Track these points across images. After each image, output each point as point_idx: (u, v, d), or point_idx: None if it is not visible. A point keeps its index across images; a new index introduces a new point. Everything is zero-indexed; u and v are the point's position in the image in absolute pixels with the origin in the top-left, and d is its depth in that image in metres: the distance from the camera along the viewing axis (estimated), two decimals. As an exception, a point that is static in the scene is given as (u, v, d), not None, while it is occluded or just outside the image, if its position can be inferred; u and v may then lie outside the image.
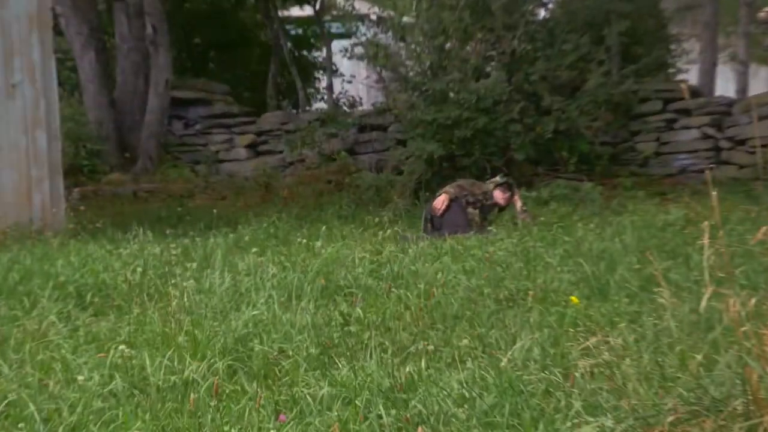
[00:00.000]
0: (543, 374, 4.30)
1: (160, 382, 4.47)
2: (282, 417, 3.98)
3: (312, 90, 20.25)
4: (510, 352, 4.66)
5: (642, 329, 5.07)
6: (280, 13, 19.17)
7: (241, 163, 16.18)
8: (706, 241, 3.59)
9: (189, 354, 4.90)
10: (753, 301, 3.43)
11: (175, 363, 4.77)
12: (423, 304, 5.96)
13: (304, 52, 20.61)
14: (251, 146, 16.28)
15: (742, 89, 16.78)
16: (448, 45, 13.04)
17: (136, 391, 4.41)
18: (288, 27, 19.93)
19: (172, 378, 4.53)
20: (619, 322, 5.23)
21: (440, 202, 10.23)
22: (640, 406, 3.47)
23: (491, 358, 4.72)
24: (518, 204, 10.59)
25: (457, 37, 12.88)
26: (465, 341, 5.15)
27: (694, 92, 14.58)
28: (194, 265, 7.68)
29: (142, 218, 11.29)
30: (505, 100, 12.48)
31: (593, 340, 4.43)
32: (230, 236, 9.66)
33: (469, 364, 4.70)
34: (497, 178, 10.96)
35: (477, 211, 10.31)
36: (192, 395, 4.19)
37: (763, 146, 3.47)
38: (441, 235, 9.21)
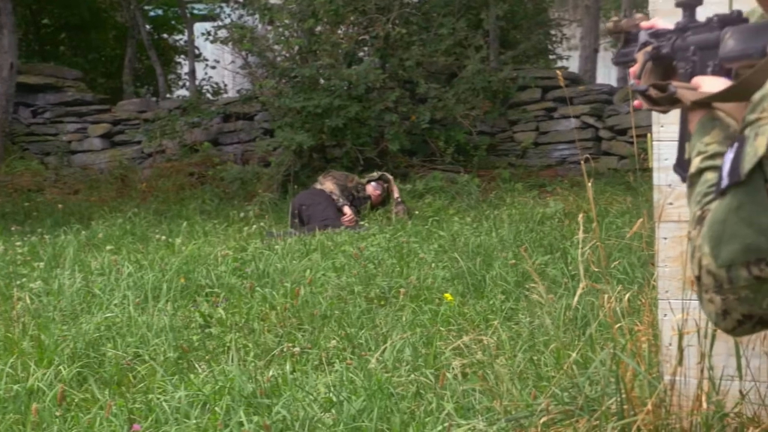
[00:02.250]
0: (414, 375, 4.35)
1: (1, 392, 4.37)
2: (136, 426, 3.94)
3: (172, 76, 19.98)
4: (380, 353, 4.70)
5: (517, 327, 5.17)
6: (137, -7, 18.92)
7: (95, 154, 15.88)
8: (581, 235, 3.67)
9: (34, 361, 4.81)
10: (627, 296, 3.52)
11: (19, 371, 4.68)
12: (289, 304, 5.97)
13: (164, 35, 20.33)
14: (106, 136, 15.98)
15: (624, 77, 17.13)
16: (318, 28, 13.02)
17: (-26, 403, 4.30)
18: (146, 8, 19.62)
19: (15, 387, 4.43)
20: (493, 319, 5.32)
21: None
22: (513, 407, 3.53)
23: (361, 360, 4.75)
24: (395, 194, 10.65)
25: (327, 19, 12.87)
26: (333, 342, 5.18)
27: (575, 80, 14.83)
28: (42, 264, 7.54)
29: (-16, 214, 11.03)
30: (378, 87, 12.53)
31: (466, 338, 4.49)
32: (83, 233, 9.51)
33: (337, 366, 4.72)
34: (374, 174, 11.05)
35: (348, 205, 10.36)
36: (35, 405, 4.10)
37: (639, 136, 3.54)
38: (310, 231, 9.21)
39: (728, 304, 1.65)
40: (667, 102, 2.00)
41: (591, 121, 13.77)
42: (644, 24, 2.25)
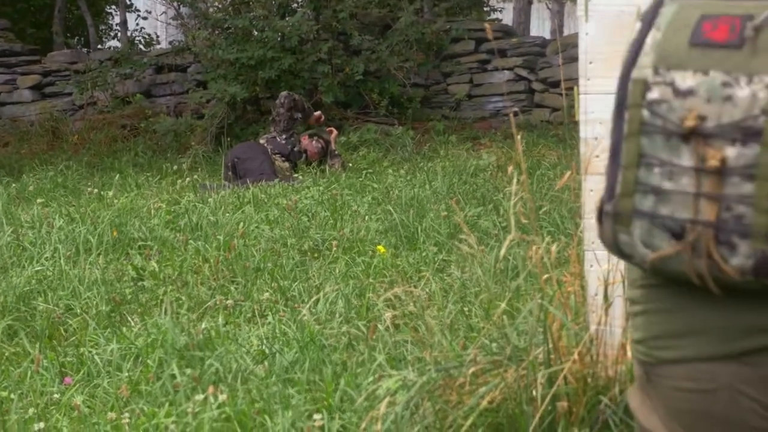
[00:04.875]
0: (346, 327, 4.39)
1: (-72, 348, 4.35)
2: (67, 379, 3.94)
3: (104, 27, 19.72)
4: (311, 305, 4.73)
5: (449, 279, 5.23)
6: (66, -60, 18.58)
7: (25, 106, 15.63)
8: (513, 187, 3.71)
9: (-37, 315, 4.78)
10: (554, 248, 3.58)
11: (-53, 325, 4.65)
12: (222, 257, 5.97)
13: (95, -16, 20.06)
14: (36, 88, 15.73)
15: (557, 29, 17.20)
16: (251, -21, 12.93)
17: None
18: (76, -44, 19.32)
19: (-56, 342, 4.41)
20: (425, 271, 5.37)
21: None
22: (443, 358, 3.58)
23: (293, 312, 4.78)
24: (332, 146, 10.64)
25: (260, -30, 12.78)
26: (266, 295, 5.21)
27: (508, 32, 14.85)
28: (-30, 218, 7.45)
29: None
30: (312, 39, 12.45)
31: (398, 290, 4.53)
32: (13, 186, 9.40)
33: (270, 318, 4.75)
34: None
35: (284, 159, 10.34)
36: (-34, 360, 4.09)
37: (569, 88, 3.57)
38: (243, 184, 9.18)
39: None
40: None
41: (524, 73, 13.81)
42: None
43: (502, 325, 3.69)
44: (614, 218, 1.73)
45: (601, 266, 3.30)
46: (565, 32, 17.92)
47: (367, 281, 5.30)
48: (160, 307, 5.02)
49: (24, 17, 18.52)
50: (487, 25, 4.44)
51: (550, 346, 3.29)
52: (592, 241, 3.35)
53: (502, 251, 3.38)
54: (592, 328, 3.33)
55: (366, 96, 13.09)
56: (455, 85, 14.16)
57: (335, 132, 10.93)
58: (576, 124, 3.49)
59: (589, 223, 3.35)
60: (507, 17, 18.91)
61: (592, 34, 3.32)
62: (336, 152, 10.62)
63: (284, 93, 10.93)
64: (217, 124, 12.23)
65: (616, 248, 1.76)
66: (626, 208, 1.70)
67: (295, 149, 10.57)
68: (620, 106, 1.72)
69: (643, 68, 1.68)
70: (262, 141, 10.66)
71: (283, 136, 10.56)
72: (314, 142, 10.74)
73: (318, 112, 11.16)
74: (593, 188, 3.35)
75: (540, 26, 22.14)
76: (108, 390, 3.87)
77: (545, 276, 3.56)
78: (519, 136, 3.75)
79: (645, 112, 1.66)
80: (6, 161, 11.73)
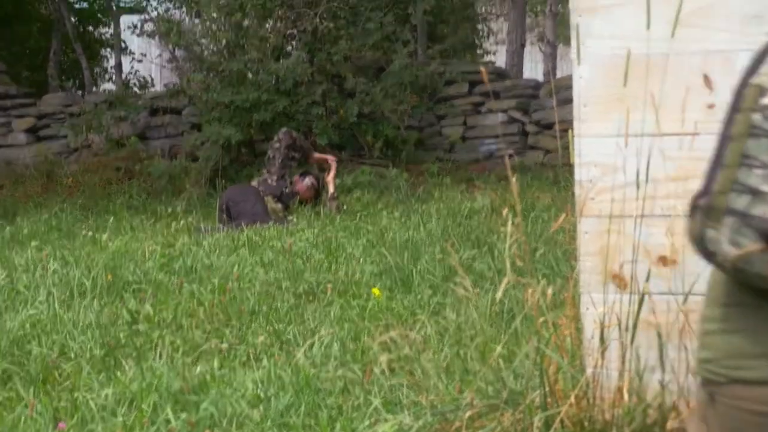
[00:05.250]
0: (342, 371, 4.37)
1: (-76, 392, 4.33)
2: (61, 425, 3.91)
3: (98, 69, 19.77)
4: (306, 348, 4.71)
5: (444, 321, 5.22)
6: (62, -15, 18.66)
7: (20, 148, 15.65)
8: (508, 229, 3.71)
9: (-43, 360, 4.75)
10: (550, 290, 3.57)
11: (-58, 370, 4.63)
12: (217, 300, 5.96)
13: (90, 28, 20.09)
14: (31, 130, 15.76)
15: (550, 71, 17.28)
16: (245, 22, 12.95)
17: None
18: (71, 0, 19.39)
19: (-62, 386, 4.39)
20: (421, 314, 5.36)
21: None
22: (439, 401, 3.57)
23: (289, 356, 4.76)
24: (330, 189, 10.64)
25: (255, 13, 12.81)
26: (261, 338, 5.19)
27: (501, 74, 14.92)
28: (-35, 261, 7.44)
29: None
30: (306, 81, 12.50)
31: (393, 333, 4.51)
32: (7, 229, 9.39)
33: (265, 362, 4.73)
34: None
35: (277, 200, 10.35)
36: (-41, 405, 4.06)
37: (564, 131, 3.59)
38: (238, 226, 9.18)
39: None
40: None
41: (517, 115, 13.85)
42: None
43: (499, 369, 3.69)
44: (706, 213, 1.74)
45: (597, 309, 3.30)
46: (558, 74, 17.98)
47: (362, 324, 5.29)
48: (155, 350, 5.00)
49: (19, 60, 18.58)
50: (482, 68, 4.46)
51: (547, 389, 3.28)
52: (587, 284, 3.35)
53: (499, 294, 3.37)
54: (589, 371, 3.32)
55: (360, 138, 13.13)
56: (449, 128, 14.19)
57: (334, 166, 10.91)
58: (570, 166, 3.49)
59: (585, 265, 3.35)
60: (500, 60, 18.99)
61: (586, 77, 3.34)
62: (335, 194, 10.60)
63: (283, 129, 10.98)
64: (211, 167, 12.25)
65: (701, 244, 1.77)
66: (720, 204, 1.72)
67: (287, 190, 10.58)
68: (733, 109, 1.74)
69: (763, 75, 1.72)
70: (254, 183, 10.70)
71: (274, 177, 10.59)
72: (306, 179, 10.76)
73: (318, 155, 11.20)
74: (588, 230, 3.35)
75: (533, 69, 22.25)
76: (102, 435, 3.85)
77: (541, 319, 3.55)
78: (514, 179, 3.75)
79: (756, 116, 1.70)
80: (0, 204, 11.71)
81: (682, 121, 3.18)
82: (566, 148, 3.57)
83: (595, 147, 3.30)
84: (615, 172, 3.26)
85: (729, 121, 1.76)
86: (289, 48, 13.11)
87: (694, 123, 3.16)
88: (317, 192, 10.74)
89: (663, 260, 3.25)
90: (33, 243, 8.22)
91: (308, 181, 10.77)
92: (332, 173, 10.78)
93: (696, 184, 3.08)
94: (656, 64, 3.20)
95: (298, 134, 11.25)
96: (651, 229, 3.25)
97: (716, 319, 1.86)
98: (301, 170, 10.99)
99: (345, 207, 10.43)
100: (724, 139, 1.75)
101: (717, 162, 1.75)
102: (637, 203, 3.22)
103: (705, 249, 1.76)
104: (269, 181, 10.59)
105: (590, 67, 3.33)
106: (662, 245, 3.24)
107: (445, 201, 10.40)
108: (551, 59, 17.77)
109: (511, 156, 12.40)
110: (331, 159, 10.97)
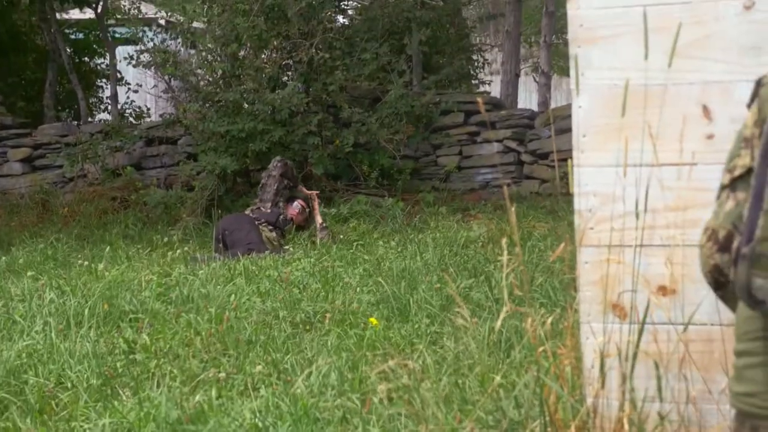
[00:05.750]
0: (340, 400, 4.36)
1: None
2: (59, 455, 3.90)
3: (94, 100, 19.78)
4: (304, 377, 4.70)
5: (442, 351, 5.21)
6: (58, 16, 18.65)
7: (15, 178, 15.68)
8: (505, 258, 3.71)
9: (-46, 389, 4.74)
10: (549, 320, 3.57)
11: (-61, 400, 4.61)
12: (214, 329, 5.95)
13: (86, 59, 20.12)
14: (27, 160, 15.79)
15: (545, 101, 17.33)
16: (241, 53, 12.99)
17: None
18: (67, 31, 19.40)
19: (-65, 417, 4.37)
20: (419, 343, 5.35)
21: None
22: (439, 431, 3.56)
23: (286, 385, 4.75)
24: (318, 220, 10.69)
25: (251, 44, 12.84)
26: (259, 367, 5.17)
27: (497, 104, 14.95)
28: (-39, 291, 7.42)
29: None
30: (302, 111, 12.53)
31: (392, 363, 4.51)
32: (2, 259, 9.38)
33: (262, 391, 4.72)
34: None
35: (272, 228, 10.37)
36: (-44, 436, 4.05)
37: (561, 160, 3.60)
38: (234, 255, 9.18)
39: None
40: None
41: (513, 145, 13.88)
42: None
43: (498, 398, 3.68)
44: (751, 261, 1.68)
45: (596, 339, 3.30)
46: (552, 104, 18.03)
47: (360, 354, 5.28)
48: (152, 380, 4.99)
49: (15, 91, 18.60)
50: (479, 99, 4.48)
51: (547, 418, 3.28)
52: (587, 314, 3.36)
53: (498, 323, 3.38)
54: (589, 400, 3.32)
55: (356, 168, 13.14)
56: (445, 157, 14.22)
57: (317, 200, 10.99)
58: (565, 195, 3.50)
59: (585, 295, 3.36)
60: (495, 89, 19.04)
61: (585, 108, 3.35)
62: (324, 225, 10.64)
63: (278, 157, 11.09)
64: (207, 196, 12.25)
65: (748, 293, 1.71)
66: (766, 251, 1.66)
67: (281, 217, 10.61)
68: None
69: None
70: (248, 212, 10.74)
71: (268, 205, 10.65)
72: (295, 203, 10.90)
73: (302, 188, 11.30)
74: (588, 260, 3.36)
75: (527, 98, 22.32)
76: (100, 465, 3.84)
77: (541, 348, 3.55)
78: (513, 208, 3.76)
79: None
80: (-4, 234, 11.72)
81: (680, 151, 3.20)
82: (563, 178, 3.59)
83: (595, 176, 3.32)
84: (614, 201, 3.28)
85: (764, 163, 1.70)
86: (285, 78, 13.14)
87: (692, 153, 3.18)
88: (309, 214, 10.85)
89: (662, 290, 3.26)
90: (29, 273, 8.21)
91: (297, 204, 10.93)
92: (316, 207, 10.88)
93: (695, 214, 3.10)
94: (654, 94, 3.22)
95: (292, 163, 11.35)
96: (650, 259, 3.26)
97: (754, 353, 1.82)
98: (287, 197, 11.06)
99: (341, 236, 10.44)
100: (761, 181, 1.70)
101: (757, 206, 1.69)
102: (636, 233, 3.23)
103: (752, 298, 1.71)
104: (263, 209, 10.64)
105: (589, 98, 3.35)
106: (662, 275, 3.25)
107: (441, 230, 10.42)
108: (545, 89, 17.82)
109: (508, 185, 12.43)
110: (312, 194, 11.07)
